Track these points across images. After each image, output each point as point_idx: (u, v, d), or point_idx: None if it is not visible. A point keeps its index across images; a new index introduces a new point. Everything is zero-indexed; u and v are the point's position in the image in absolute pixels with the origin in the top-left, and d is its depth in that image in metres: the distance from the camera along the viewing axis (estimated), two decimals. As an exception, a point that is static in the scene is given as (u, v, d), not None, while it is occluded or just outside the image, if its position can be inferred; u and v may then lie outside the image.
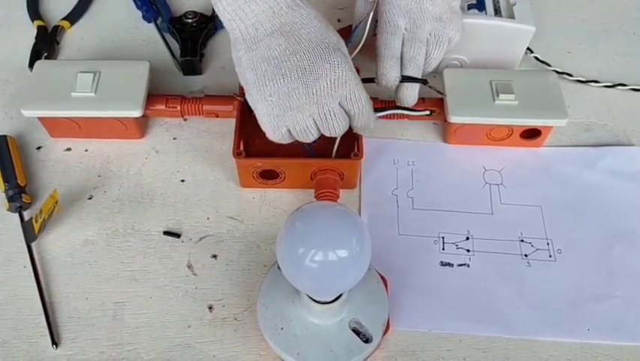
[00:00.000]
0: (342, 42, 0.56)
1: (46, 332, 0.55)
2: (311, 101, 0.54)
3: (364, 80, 0.66)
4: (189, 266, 0.60)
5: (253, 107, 0.57)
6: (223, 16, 0.54)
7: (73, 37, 0.79)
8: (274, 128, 0.56)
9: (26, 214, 0.62)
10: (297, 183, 0.64)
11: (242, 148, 0.62)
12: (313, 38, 0.54)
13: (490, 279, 0.59)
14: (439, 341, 0.56)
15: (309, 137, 0.57)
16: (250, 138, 0.64)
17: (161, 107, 0.67)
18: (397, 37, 0.62)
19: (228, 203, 0.64)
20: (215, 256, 0.60)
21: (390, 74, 0.62)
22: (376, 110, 0.59)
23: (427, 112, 0.60)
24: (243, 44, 0.55)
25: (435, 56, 0.63)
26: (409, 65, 0.62)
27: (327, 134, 0.57)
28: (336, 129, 0.56)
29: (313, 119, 0.55)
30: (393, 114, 0.65)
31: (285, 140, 0.57)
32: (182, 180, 0.65)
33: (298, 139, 0.57)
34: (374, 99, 0.67)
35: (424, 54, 0.63)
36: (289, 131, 0.56)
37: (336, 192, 0.61)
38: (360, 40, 0.62)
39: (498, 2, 0.69)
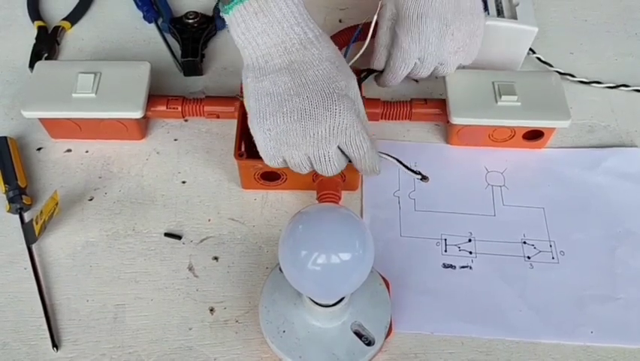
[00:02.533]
0: (351, 84, 0.56)
1: (47, 335, 0.55)
2: (307, 143, 0.54)
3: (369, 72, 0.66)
4: (190, 268, 0.59)
5: (252, 134, 0.57)
6: (237, 42, 0.54)
7: (74, 38, 0.79)
8: (270, 158, 0.57)
9: (27, 216, 0.62)
10: (298, 185, 0.63)
11: (243, 149, 0.62)
12: (319, 81, 0.54)
13: (493, 281, 0.59)
14: (441, 343, 0.55)
15: (303, 171, 0.58)
16: (252, 139, 0.64)
17: (162, 108, 0.67)
18: (408, 67, 0.64)
19: (230, 204, 0.64)
20: (216, 258, 0.60)
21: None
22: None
23: (419, 176, 0.60)
24: (251, 73, 0.55)
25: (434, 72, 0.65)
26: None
27: (320, 173, 0.58)
28: (328, 172, 0.57)
29: (308, 157, 0.56)
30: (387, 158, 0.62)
31: (281, 167, 0.59)
32: (183, 182, 0.65)
33: (293, 170, 0.58)
34: (375, 100, 0.67)
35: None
36: (285, 161, 0.57)
37: (338, 193, 0.61)
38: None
39: (500, 3, 0.69)
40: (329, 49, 0.55)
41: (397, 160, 0.59)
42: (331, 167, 0.56)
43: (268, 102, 0.54)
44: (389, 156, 0.59)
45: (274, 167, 0.58)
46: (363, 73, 0.67)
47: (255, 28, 0.52)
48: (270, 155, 0.57)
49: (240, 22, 0.53)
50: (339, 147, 0.55)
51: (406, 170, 0.59)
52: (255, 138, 0.57)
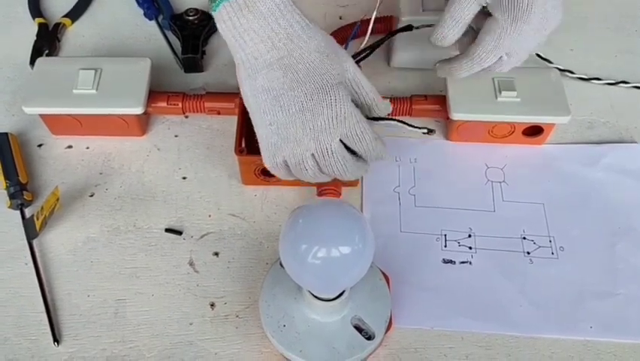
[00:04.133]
0: (345, 67, 0.54)
1: (48, 330, 0.55)
2: (308, 137, 0.53)
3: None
4: (191, 263, 0.60)
5: (256, 131, 0.57)
6: (226, 40, 0.54)
7: (75, 35, 0.79)
8: (270, 156, 0.56)
9: (28, 212, 0.62)
10: (298, 181, 0.63)
11: (244, 145, 0.62)
12: (311, 73, 0.53)
13: (493, 276, 0.59)
14: (441, 338, 0.55)
15: (305, 173, 0.56)
16: (252, 135, 0.64)
17: (163, 104, 0.67)
18: (493, 60, 0.58)
19: (230, 200, 0.64)
20: (217, 254, 0.60)
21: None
22: (371, 118, 0.58)
23: (425, 130, 0.58)
24: (244, 72, 0.54)
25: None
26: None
27: (327, 173, 0.56)
28: (333, 168, 0.55)
29: (312, 155, 0.54)
30: (391, 123, 0.60)
31: (280, 171, 0.57)
32: (184, 178, 0.65)
33: (294, 173, 0.57)
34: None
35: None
36: (285, 163, 0.56)
37: (338, 189, 0.61)
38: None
39: None
40: (316, 39, 0.54)
41: (400, 121, 0.58)
42: (335, 162, 0.54)
43: (265, 98, 0.54)
44: (391, 119, 0.58)
45: (272, 168, 0.57)
46: (367, 51, 0.64)
47: (242, 25, 0.52)
48: (271, 152, 0.56)
49: (227, 20, 0.52)
50: (342, 142, 0.54)
51: (411, 127, 0.58)
52: (258, 136, 0.57)
